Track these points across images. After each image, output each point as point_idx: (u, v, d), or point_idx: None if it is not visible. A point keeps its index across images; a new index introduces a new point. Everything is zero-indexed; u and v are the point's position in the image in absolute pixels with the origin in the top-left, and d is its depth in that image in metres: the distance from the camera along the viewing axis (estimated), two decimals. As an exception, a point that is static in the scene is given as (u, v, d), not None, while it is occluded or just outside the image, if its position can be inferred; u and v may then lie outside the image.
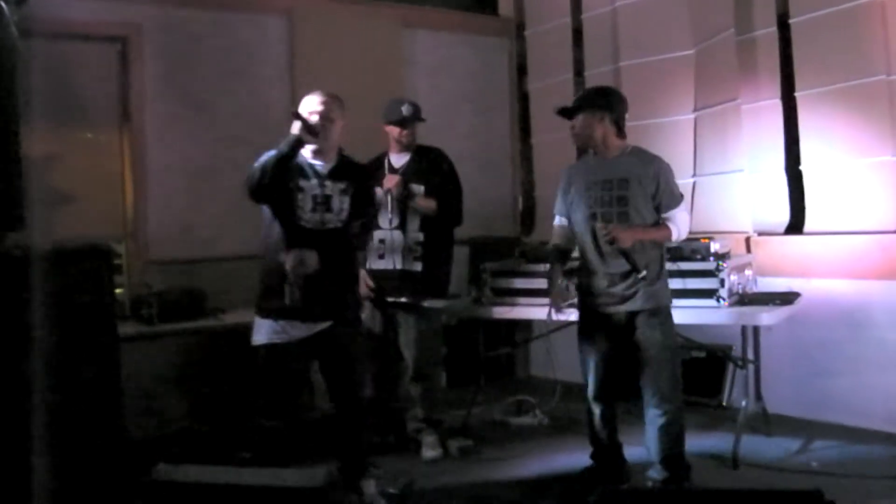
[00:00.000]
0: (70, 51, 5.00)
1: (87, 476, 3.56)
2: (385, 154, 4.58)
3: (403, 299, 4.44)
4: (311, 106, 3.62)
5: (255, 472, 2.87)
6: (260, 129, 5.47)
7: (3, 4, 3.19)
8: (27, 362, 3.30)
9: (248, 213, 5.35)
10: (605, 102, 3.74)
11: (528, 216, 6.84)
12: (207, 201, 5.35)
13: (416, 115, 4.49)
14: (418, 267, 4.43)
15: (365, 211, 3.90)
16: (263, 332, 3.62)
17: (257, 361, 3.65)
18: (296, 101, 5.57)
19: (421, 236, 4.44)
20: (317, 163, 3.64)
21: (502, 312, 4.85)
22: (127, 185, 5.26)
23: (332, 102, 3.64)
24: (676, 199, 3.71)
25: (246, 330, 4.76)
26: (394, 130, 4.50)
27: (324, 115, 3.58)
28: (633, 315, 3.69)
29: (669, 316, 3.78)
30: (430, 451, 4.49)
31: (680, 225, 3.71)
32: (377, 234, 4.46)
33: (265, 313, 3.63)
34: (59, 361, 3.55)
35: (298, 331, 3.57)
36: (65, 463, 3.48)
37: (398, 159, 4.55)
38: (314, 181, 3.61)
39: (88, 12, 4.93)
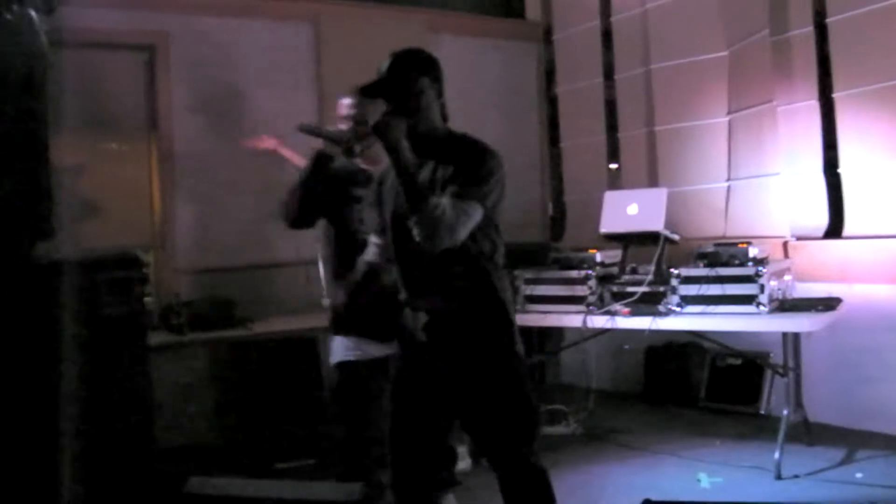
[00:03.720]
0: (98, 60, 4.99)
1: (118, 487, 3.53)
2: None
3: None
4: (340, 111, 3.19)
5: (288, 485, 2.81)
6: (287, 137, 5.46)
7: (33, 14, 3.17)
8: (57, 372, 3.28)
9: (275, 221, 5.36)
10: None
11: (558, 222, 6.77)
12: (235, 209, 5.32)
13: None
14: None
15: None
16: (338, 350, 3.24)
17: (334, 382, 3.26)
18: (323, 108, 5.67)
19: None
20: (371, 168, 3.13)
21: (536, 320, 4.78)
22: (155, 193, 5.24)
23: (365, 101, 3.02)
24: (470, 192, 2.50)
25: (275, 339, 4.78)
26: None
27: (357, 120, 3.09)
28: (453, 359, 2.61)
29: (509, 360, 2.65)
30: (459, 463, 4.40)
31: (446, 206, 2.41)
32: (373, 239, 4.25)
33: (337, 330, 3.24)
34: (90, 371, 3.53)
35: (374, 349, 3.15)
36: (95, 474, 3.45)
37: None
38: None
39: (116, 21, 4.93)
